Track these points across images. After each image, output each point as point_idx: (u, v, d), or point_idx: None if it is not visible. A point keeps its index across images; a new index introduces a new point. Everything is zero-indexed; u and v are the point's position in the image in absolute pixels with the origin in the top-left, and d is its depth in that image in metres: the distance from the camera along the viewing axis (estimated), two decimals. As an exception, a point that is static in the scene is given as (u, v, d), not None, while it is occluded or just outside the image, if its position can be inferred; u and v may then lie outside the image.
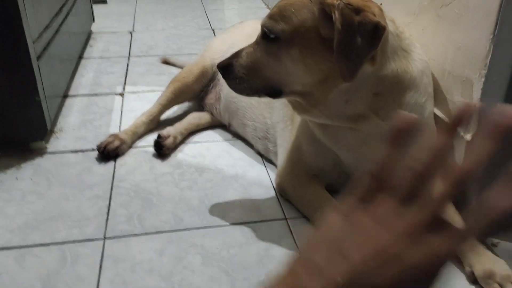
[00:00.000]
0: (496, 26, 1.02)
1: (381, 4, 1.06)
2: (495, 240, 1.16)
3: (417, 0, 1.31)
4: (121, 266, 1.06)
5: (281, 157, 1.34)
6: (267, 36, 1.04)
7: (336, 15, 0.94)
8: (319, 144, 1.21)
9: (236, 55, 1.10)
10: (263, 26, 1.05)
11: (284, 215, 1.24)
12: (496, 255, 1.06)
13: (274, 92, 1.08)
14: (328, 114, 1.09)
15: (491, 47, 1.04)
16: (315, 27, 0.98)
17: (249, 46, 1.10)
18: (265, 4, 3.12)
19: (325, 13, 0.97)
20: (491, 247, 1.13)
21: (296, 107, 1.13)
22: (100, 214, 1.22)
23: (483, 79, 1.08)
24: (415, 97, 1.11)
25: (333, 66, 0.99)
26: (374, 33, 0.96)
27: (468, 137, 1.15)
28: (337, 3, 0.94)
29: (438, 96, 1.22)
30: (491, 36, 1.04)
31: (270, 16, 1.04)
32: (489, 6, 1.03)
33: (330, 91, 1.04)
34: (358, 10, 0.95)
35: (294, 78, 1.04)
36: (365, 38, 0.95)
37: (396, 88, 1.08)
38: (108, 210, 1.24)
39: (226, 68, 1.10)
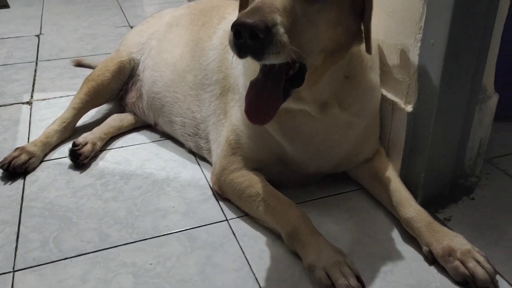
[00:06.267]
0: (427, -15, 0.95)
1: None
2: (447, 215, 1.10)
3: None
4: (35, 301, 0.89)
5: (216, 153, 1.21)
6: None
7: None
8: (262, 137, 1.10)
9: (270, 7, 0.76)
10: None
11: (225, 216, 1.12)
12: (451, 230, 0.99)
13: (298, 71, 0.88)
14: (313, 95, 0.99)
15: (424, 8, 0.97)
16: None
17: None
18: (186, -2, 2.96)
19: None
20: (444, 222, 1.07)
21: None
22: (8, 243, 1.04)
23: (419, 44, 1.01)
24: (376, 78, 1.06)
25: (348, 37, 0.93)
26: None
27: (409, 108, 1.08)
28: None
29: (386, 75, 1.14)
30: (423, -3, 0.97)
31: None
32: (417, -35, 0.96)
33: (330, 68, 0.96)
34: None
35: (321, 45, 0.89)
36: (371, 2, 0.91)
37: (361, 69, 1.02)
38: (17, 236, 1.06)
39: (268, 31, 0.74)
